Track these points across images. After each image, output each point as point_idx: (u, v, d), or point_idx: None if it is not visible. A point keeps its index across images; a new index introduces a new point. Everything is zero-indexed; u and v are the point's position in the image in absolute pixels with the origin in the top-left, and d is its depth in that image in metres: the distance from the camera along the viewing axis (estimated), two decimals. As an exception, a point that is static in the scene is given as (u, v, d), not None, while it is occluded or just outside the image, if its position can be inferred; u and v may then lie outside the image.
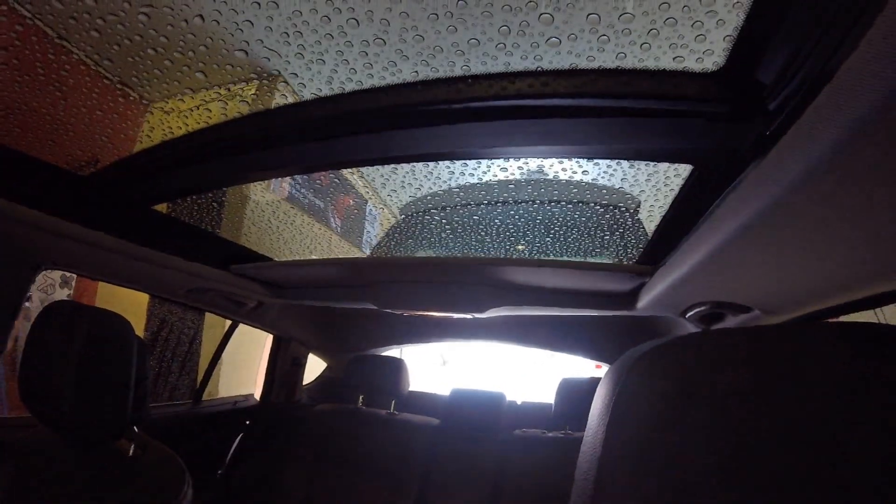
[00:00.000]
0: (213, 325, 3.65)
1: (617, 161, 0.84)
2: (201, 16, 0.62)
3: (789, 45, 0.47)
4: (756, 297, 0.86)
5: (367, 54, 0.65)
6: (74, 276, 2.87)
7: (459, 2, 0.55)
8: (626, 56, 0.58)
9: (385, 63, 0.66)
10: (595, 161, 0.85)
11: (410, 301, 1.51)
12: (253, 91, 0.78)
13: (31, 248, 0.94)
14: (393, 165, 0.98)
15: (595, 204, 1.10)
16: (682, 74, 0.59)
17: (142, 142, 0.91)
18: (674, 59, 0.57)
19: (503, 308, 1.42)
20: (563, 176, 0.93)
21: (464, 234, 1.39)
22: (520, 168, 0.93)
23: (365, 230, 1.46)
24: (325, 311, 2.24)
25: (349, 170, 1.13)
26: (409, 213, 1.31)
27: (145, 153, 0.92)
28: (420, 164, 0.96)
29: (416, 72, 0.67)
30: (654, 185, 0.89)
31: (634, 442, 0.34)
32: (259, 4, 0.59)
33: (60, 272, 2.79)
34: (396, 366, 1.96)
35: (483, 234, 1.35)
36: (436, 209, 1.25)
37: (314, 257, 1.55)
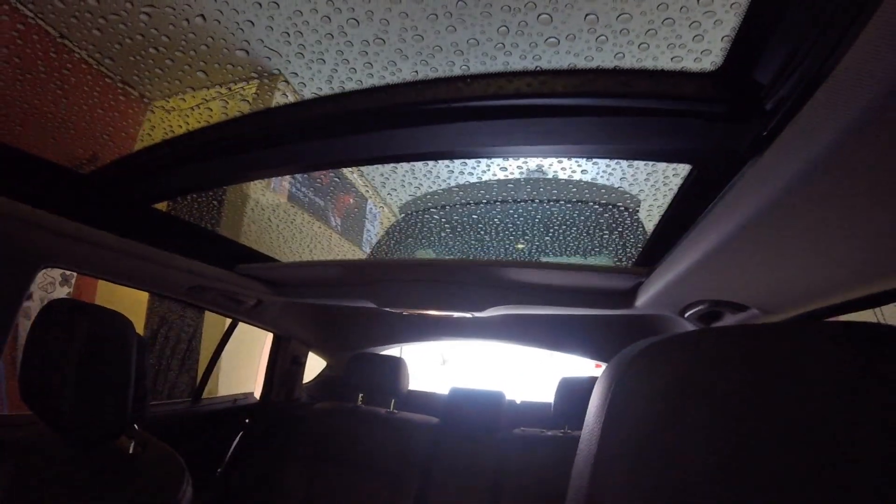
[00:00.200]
0: (214, 323, 3.66)
1: (616, 160, 0.85)
2: (202, 15, 0.62)
3: (786, 45, 0.48)
4: (754, 296, 0.86)
5: (367, 54, 0.65)
6: (74, 274, 2.87)
7: (459, 2, 0.55)
8: (624, 56, 0.59)
9: (385, 62, 0.66)
10: (594, 160, 0.85)
11: (410, 300, 1.51)
12: (254, 90, 0.78)
13: (31, 246, 0.94)
14: (393, 164, 0.98)
15: (594, 203, 1.10)
16: (680, 74, 0.59)
17: (143, 140, 0.91)
18: (672, 59, 0.58)
19: (502, 307, 1.42)
20: (562, 175, 0.93)
21: (463, 233, 1.40)
22: (519, 167, 0.93)
23: (365, 228, 1.47)
24: (325, 310, 2.25)
25: (349, 168, 1.13)
26: (409, 212, 1.31)
27: (146, 151, 0.92)
28: (420, 164, 0.96)
29: (416, 71, 0.67)
30: (652, 185, 0.90)
31: (632, 440, 0.34)
32: (260, 4, 0.60)
33: (60, 270, 2.79)
34: (396, 365, 1.96)
35: (483, 232, 1.35)
36: (435, 208, 1.25)
37: (316, 256, 1.55)
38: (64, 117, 0.85)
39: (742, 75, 0.55)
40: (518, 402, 2.28)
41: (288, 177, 1.25)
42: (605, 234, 1.24)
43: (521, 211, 1.18)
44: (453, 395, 2.15)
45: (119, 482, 0.86)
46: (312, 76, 0.72)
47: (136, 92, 0.83)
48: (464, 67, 0.65)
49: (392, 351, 2.52)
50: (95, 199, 1.00)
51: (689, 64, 0.58)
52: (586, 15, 0.54)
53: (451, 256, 1.57)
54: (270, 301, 1.75)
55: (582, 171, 0.90)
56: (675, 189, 0.83)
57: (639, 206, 1.05)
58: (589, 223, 1.21)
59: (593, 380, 1.78)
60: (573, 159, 0.85)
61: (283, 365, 2.19)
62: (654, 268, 1.05)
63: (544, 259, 1.46)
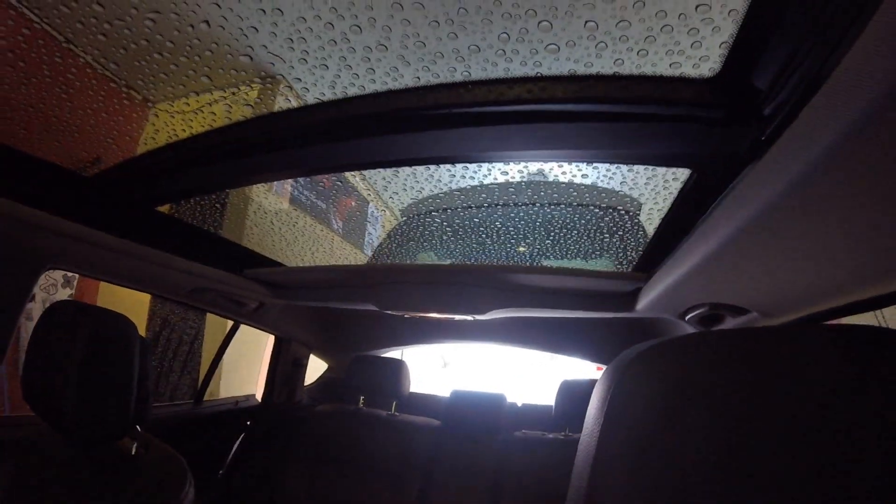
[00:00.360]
0: (216, 325, 3.66)
1: (616, 165, 0.85)
2: (207, 21, 0.63)
3: (784, 50, 0.48)
4: (754, 299, 0.86)
5: (369, 60, 0.66)
6: (76, 276, 2.88)
7: (460, 9, 0.55)
8: (623, 62, 0.59)
9: (387, 68, 0.67)
10: (594, 165, 0.86)
11: (411, 302, 1.52)
12: (257, 95, 0.79)
13: (35, 247, 0.94)
14: (394, 168, 0.99)
15: (595, 207, 1.11)
16: (678, 80, 0.60)
17: (146, 143, 0.92)
18: (670, 65, 0.58)
19: (504, 310, 1.43)
20: (562, 179, 0.94)
21: (465, 236, 1.40)
22: (520, 171, 0.94)
23: (367, 231, 1.47)
24: (327, 313, 2.25)
25: (351, 172, 1.14)
26: (411, 215, 1.32)
27: (150, 155, 0.93)
28: (421, 167, 0.97)
29: (418, 77, 0.68)
30: (652, 189, 0.90)
31: (632, 441, 0.34)
32: (264, 11, 0.60)
33: (62, 272, 2.80)
34: (397, 367, 1.96)
35: (484, 236, 1.36)
36: (437, 211, 1.26)
37: (318, 259, 1.56)
38: (68, 120, 0.86)
39: (740, 81, 0.55)
40: (519, 404, 2.28)
41: (290, 180, 1.25)
42: (606, 238, 1.24)
43: (522, 214, 1.19)
44: (454, 397, 2.14)
45: (121, 483, 0.87)
46: (315, 81, 0.72)
47: (140, 96, 0.84)
48: (465, 73, 0.66)
49: (393, 353, 2.53)
50: (99, 201, 1.01)
51: (688, 70, 0.58)
52: (586, 22, 0.55)
53: (453, 259, 1.57)
54: (272, 304, 1.75)
55: (582, 175, 0.90)
56: (675, 193, 0.84)
57: (639, 210, 1.05)
58: (590, 227, 1.21)
59: (594, 382, 1.77)
60: (574, 164, 0.85)
61: (284, 367, 2.20)
62: (654, 271, 1.05)
63: (545, 262, 1.47)
